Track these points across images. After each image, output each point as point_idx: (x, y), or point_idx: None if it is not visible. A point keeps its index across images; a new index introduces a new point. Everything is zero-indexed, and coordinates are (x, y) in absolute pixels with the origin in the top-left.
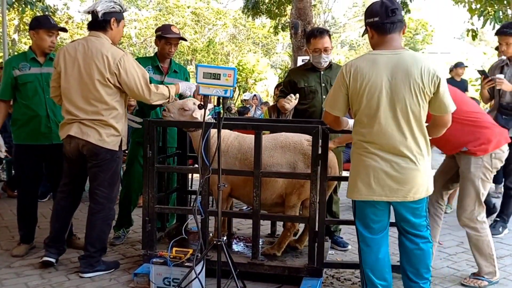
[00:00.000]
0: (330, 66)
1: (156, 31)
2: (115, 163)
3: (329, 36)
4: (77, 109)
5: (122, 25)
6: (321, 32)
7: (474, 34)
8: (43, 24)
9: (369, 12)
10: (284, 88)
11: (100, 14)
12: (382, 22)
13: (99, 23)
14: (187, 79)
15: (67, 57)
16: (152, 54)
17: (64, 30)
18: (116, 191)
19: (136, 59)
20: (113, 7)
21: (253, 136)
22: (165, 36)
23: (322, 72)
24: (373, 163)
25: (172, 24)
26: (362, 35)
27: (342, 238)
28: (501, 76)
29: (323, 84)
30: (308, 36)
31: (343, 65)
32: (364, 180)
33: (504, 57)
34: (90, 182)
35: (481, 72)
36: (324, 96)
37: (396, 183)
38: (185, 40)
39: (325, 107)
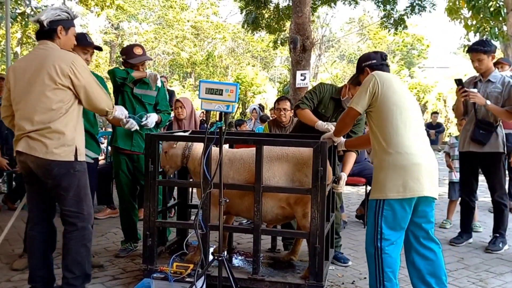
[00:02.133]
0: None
1: (120, 53)
2: (76, 177)
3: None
4: (25, 121)
5: (72, 33)
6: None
7: None
8: (80, 41)
9: (366, 57)
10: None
11: (45, 23)
12: (378, 64)
13: (46, 32)
14: (159, 89)
15: (17, 70)
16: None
17: (99, 48)
18: (87, 207)
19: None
20: (59, 15)
21: (243, 150)
22: (130, 62)
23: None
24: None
25: (135, 45)
26: (356, 75)
27: (342, 253)
28: (475, 90)
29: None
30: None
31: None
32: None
33: (477, 74)
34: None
35: (458, 82)
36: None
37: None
38: (150, 59)
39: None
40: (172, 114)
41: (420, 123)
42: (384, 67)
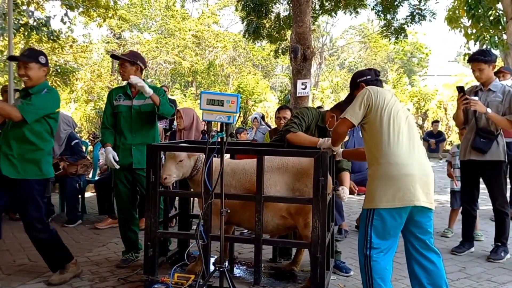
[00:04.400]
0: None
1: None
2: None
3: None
4: None
5: None
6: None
7: None
8: None
9: (360, 74)
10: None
11: None
12: (372, 79)
13: None
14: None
15: None
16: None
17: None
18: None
19: (111, 90)
20: None
21: (245, 160)
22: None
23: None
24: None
25: (132, 51)
26: (352, 93)
27: (344, 263)
28: (476, 98)
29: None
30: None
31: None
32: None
33: (478, 83)
34: None
35: (460, 89)
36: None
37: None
38: (130, 61)
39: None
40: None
41: (413, 134)
42: (377, 82)
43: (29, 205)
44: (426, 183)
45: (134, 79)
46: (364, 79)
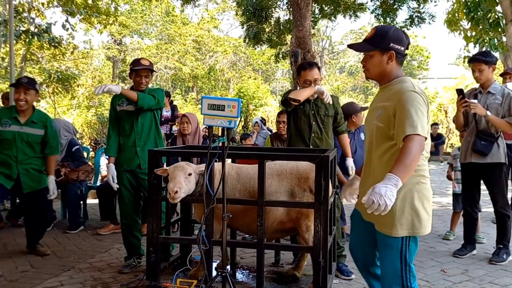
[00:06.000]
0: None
1: (129, 66)
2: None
3: (318, 68)
4: None
5: None
6: (310, 65)
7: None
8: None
9: (400, 38)
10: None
11: None
12: (404, 53)
13: None
14: (159, 101)
15: None
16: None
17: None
18: None
19: (114, 95)
20: None
21: (249, 166)
22: (134, 69)
23: (311, 100)
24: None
25: (142, 57)
26: (360, 50)
27: (347, 266)
28: (475, 101)
29: (312, 112)
30: (298, 68)
31: (419, 90)
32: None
33: (477, 85)
34: None
35: (459, 91)
36: (314, 123)
37: None
38: (154, 71)
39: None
40: (175, 128)
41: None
42: (404, 58)
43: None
44: None
45: (98, 89)
46: (399, 48)
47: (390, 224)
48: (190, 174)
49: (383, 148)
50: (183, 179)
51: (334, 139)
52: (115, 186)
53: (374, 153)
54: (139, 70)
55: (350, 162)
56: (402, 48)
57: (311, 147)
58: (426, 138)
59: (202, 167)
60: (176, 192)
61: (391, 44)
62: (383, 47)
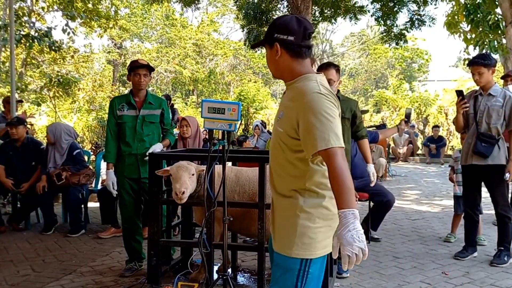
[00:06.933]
0: (338, 98)
1: (127, 68)
2: None
3: (337, 70)
4: None
5: None
6: (327, 65)
7: None
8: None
9: (283, 27)
10: None
11: None
12: (298, 43)
13: None
14: (163, 109)
15: None
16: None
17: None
18: None
19: (113, 98)
20: None
21: (249, 168)
22: (133, 67)
23: None
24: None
25: (139, 58)
26: (255, 46)
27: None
28: None
29: None
30: (318, 69)
31: (325, 91)
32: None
33: (477, 87)
34: None
35: (459, 93)
36: None
37: None
38: (153, 69)
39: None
40: (176, 132)
41: None
42: (303, 50)
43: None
44: None
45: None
46: (284, 38)
47: (284, 243)
48: (193, 174)
49: (280, 160)
50: (188, 179)
51: (353, 143)
52: (115, 192)
53: (272, 165)
54: (138, 68)
55: (370, 168)
56: (292, 38)
57: None
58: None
59: (202, 167)
60: (183, 192)
61: (275, 35)
62: (269, 40)
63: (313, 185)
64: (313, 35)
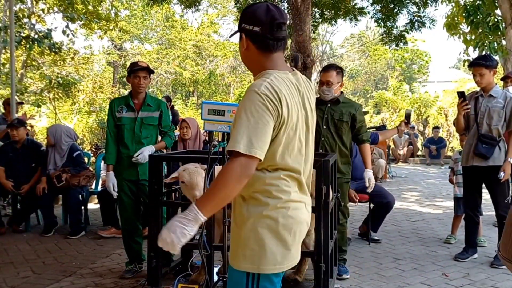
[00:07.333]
0: (338, 100)
1: (127, 70)
2: None
3: (338, 72)
4: None
5: None
6: (328, 67)
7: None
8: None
9: (250, 16)
10: None
11: None
12: (264, 35)
13: None
14: (162, 112)
15: None
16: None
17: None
18: None
19: (112, 100)
20: None
21: None
22: (133, 69)
23: (328, 105)
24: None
25: (139, 60)
26: (231, 36)
27: (343, 266)
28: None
29: (325, 116)
30: (321, 70)
31: (266, 91)
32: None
33: (478, 89)
34: None
35: (460, 94)
36: (324, 127)
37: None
38: (152, 72)
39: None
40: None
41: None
42: (269, 43)
43: None
44: None
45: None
46: (250, 29)
47: (231, 253)
48: (203, 176)
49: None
50: (202, 183)
51: (355, 145)
52: (115, 194)
53: None
54: (137, 70)
55: (367, 173)
56: (257, 29)
57: (320, 151)
58: (258, 159)
59: (205, 167)
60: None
61: (242, 25)
62: (238, 30)
63: (257, 191)
64: (312, 36)
